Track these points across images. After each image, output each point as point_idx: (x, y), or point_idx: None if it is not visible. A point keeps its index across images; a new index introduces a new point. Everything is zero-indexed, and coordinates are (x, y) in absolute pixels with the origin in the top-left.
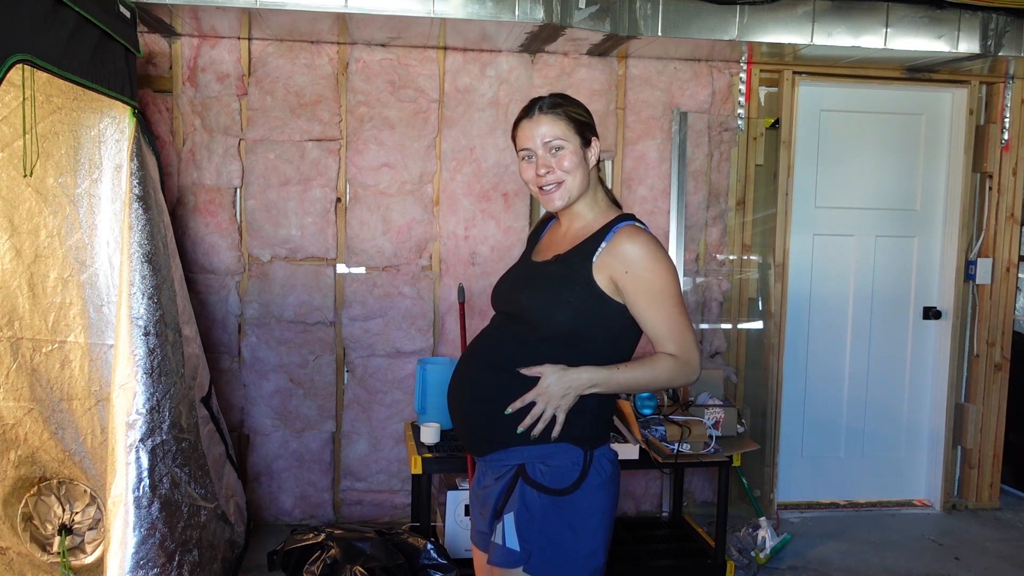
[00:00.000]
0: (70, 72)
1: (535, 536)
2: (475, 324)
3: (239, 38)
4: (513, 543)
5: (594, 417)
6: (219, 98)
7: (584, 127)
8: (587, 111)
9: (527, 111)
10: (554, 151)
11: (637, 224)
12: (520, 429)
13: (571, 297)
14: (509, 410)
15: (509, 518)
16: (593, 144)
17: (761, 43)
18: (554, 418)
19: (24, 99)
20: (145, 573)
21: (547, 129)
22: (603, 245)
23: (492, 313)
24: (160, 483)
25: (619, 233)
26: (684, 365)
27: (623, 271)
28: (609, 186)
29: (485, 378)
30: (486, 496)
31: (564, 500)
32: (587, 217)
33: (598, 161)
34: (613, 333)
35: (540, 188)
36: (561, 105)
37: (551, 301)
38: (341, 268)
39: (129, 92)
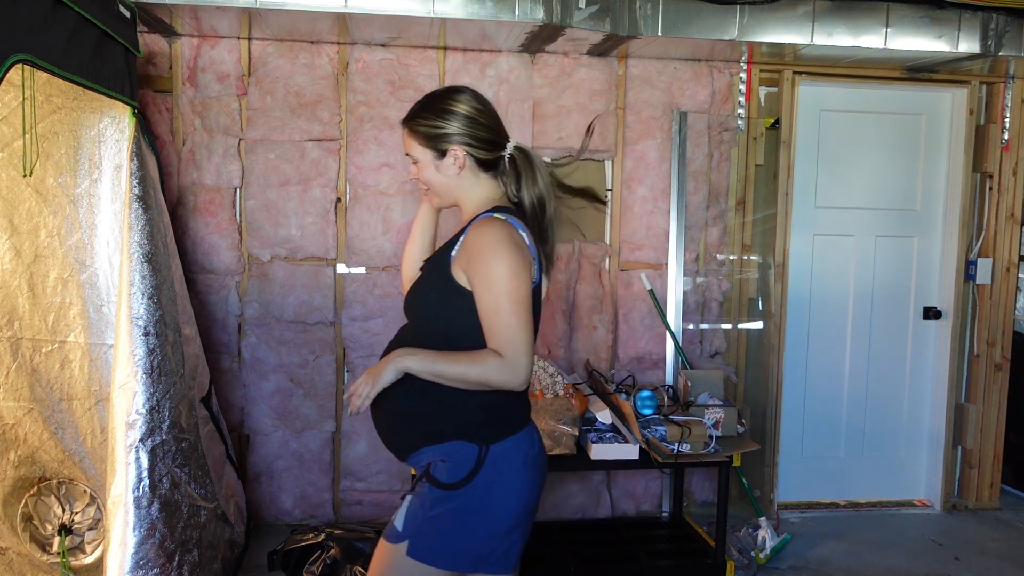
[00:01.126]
0: (70, 72)
1: (418, 523)
2: None
3: (239, 38)
4: (399, 523)
5: (482, 414)
6: (219, 98)
7: (436, 139)
8: (445, 117)
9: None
10: (414, 162)
11: (496, 216)
12: (349, 411)
13: (434, 294)
14: (346, 396)
15: (405, 501)
16: (451, 154)
17: (761, 43)
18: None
19: (24, 99)
20: (145, 573)
21: (404, 142)
22: (461, 239)
23: None
24: (160, 483)
25: (473, 225)
26: (508, 366)
27: (467, 260)
28: (608, 186)
29: (388, 389)
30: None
31: (456, 493)
32: (468, 213)
33: (493, 160)
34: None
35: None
36: (413, 119)
37: (420, 300)
38: (341, 268)
39: (129, 92)
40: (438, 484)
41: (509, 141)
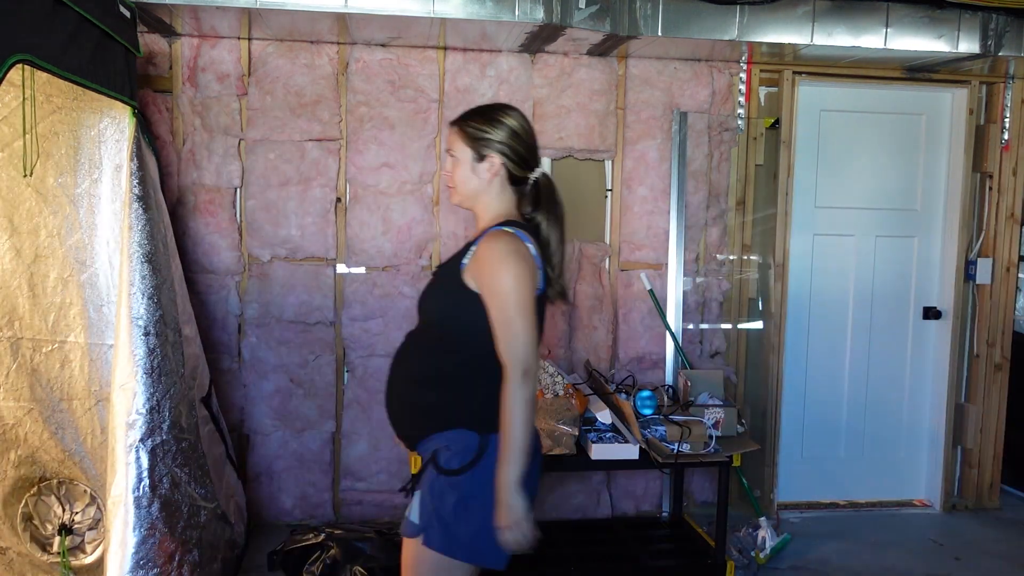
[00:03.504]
0: (70, 72)
1: (429, 512)
2: None
3: (239, 38)
4: (415, 516)
5: (483, 402)
6: (219, 98)
7: (478, 143)
8: (494, 125)
9: None
10: (451, 158)
11: (505, 229)
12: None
13: (446, 297)
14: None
15: (416, 495)
16: (488, 160)
17: (761, 43)
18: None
19: (24, 99)
20: (145, 573)
21: (449, 140)
22: (472, 249)
23: None
24: (160, 483)
25: (484, 237)
26: (519, 377)
27: (477, 269)
28: (608, 186)
29: (400, 381)
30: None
31: (458, 480)
32: (482, 223)
33: (521, 177)
34: (481, 326)
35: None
36: (464, 120)
37: (433, 303)
38: (341, 268)
39: (129, 92)
40: (442, 471)
41: (539, 166)
